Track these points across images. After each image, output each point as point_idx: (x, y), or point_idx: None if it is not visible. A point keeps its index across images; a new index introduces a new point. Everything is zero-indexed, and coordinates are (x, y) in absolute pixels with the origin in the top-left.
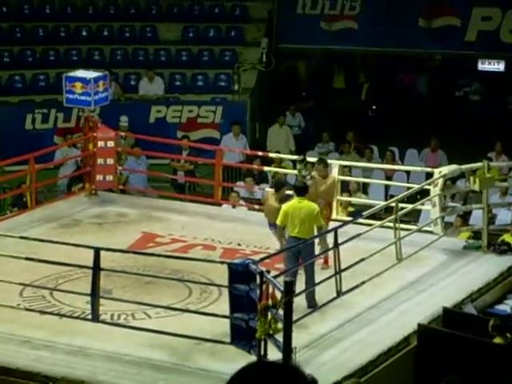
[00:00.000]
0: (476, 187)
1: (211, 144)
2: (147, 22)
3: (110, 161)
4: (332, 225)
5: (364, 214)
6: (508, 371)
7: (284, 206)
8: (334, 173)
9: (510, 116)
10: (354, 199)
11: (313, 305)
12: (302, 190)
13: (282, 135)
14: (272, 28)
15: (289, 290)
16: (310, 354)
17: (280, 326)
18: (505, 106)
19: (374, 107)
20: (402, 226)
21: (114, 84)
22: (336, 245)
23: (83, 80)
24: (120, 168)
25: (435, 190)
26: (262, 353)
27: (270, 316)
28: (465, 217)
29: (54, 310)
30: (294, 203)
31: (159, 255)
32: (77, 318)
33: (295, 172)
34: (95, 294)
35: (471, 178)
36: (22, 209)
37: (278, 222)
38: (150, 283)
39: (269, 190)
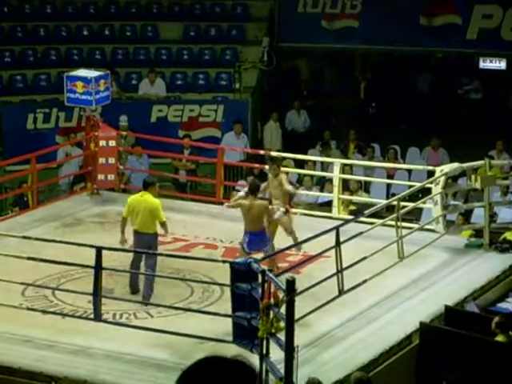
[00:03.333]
0: (477, 185)
1: (213, 143)
2: (148, 21)
3: (112, 160)
4: (334, 223)
5: (366, 212)
6: (510, 369)
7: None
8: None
9: None
10: (355, 198)
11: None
12: (145, 185)
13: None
14: (273, 27)
15: (291, 288)
16: (312, 353)
17: (282, 324)
18: (506, 104)
19: (373, 104)
20: (404, 224)
21: (115, 83)
22: (338, 243)
23: (84, 79)
24: (122, 167)
25: (437, 189)
26: (264, 351)
27: (272, 315)
28: (466, 215)
29: (56, 310)
30: (136, 197)
31: (161, 254)
32: (79, 317)
33: (295, 171)
34: (97, 294)
35: (473, 177)
36: (24, 208)
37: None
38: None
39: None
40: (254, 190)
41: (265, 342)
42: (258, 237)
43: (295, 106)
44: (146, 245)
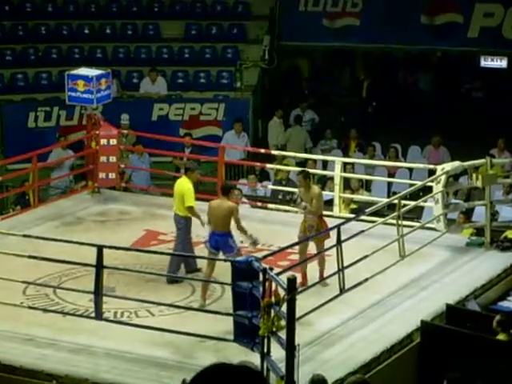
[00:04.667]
0: (478, 184)
1: (214, 141)
2: (149, 20)
3: (113, 159)
4: (335, 222)
5: (367, 210)
6: (511, 368)
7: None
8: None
9: None
10: (356, 196)
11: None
12: (185, 170)
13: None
14: (274, 25)
15: (292, 287)
16: (313, 351)
17: (283, 323)
18: (507, 103)
19: (373, 103)
20: (405, 222)
21: (115, 81)
22: (339, 242)
23: (85, 78)
24: (123, 166)
25: (438, 187)
26: (265, 350)
27: (273, 313)
28: (468, 213)
29: (57, 308)
30: (178, 180)
31: (162, 253)
32: (80, 315)
33: (296, 169)
34: (98, 292)
35: (474, 175)
36: (25, 207)
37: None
38: (152, 281)
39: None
40: (223, 191)
41: (266, 341)
42: (220, 238)
43: (301, 106)
44: (176, 225)
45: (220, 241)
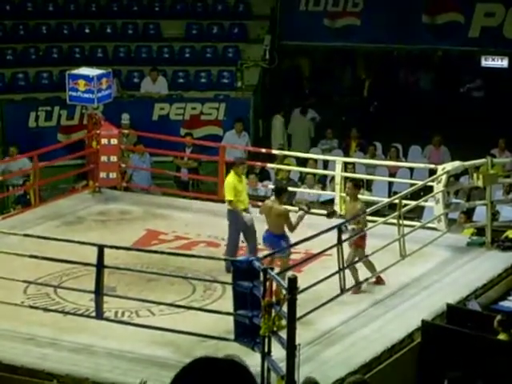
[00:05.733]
0: (479, 184)
1: (214, 141)
2: (150, 19)
3: (114, 158)
4: (335, 221)
5: (368, 210)
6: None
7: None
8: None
9: None
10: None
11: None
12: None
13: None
14: (275, 25)
15: (293, 286)
16: (314, 351)
17: (284, 322)
18: (508, 103)
19: (375, 103)
20: (406, 222)
21: (116, 81)
22: (339, 241)
23: (86, 77)
24: (124, 165)
25: (439, 187)
26: (266, 350)
27: (273, 313)
28: (468, 213)
29: (58, 308)
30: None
31: (163, 252)
32: (81, 315)
33: (297, 169)
34: (99, 292)
35: (475, 175)
36: (26, 206)
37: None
38: (153, 280)
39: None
40: (276, 193)
41: (266, 340)
42: (274, 238)
43: (302, 106)
44: (227, 218)
45: (273, 240)
